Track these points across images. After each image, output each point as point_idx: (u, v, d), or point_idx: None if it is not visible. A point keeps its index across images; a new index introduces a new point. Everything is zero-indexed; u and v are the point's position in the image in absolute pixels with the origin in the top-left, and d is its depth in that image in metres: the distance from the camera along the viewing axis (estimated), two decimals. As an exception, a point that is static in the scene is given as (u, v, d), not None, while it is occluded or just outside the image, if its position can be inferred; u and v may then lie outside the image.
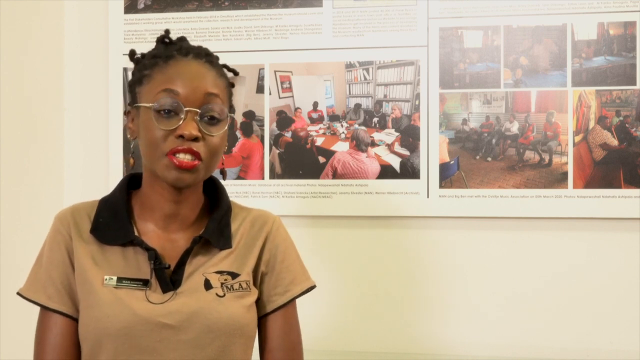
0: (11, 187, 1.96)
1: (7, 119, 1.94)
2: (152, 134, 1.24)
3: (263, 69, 2.03)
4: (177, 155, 1.22)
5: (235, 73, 1.41)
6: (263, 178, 2.02)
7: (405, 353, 1.95)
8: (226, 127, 1.28)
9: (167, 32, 1.34)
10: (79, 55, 2.13)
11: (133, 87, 1.32)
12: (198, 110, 1.24)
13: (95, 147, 2.11)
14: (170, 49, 1.30)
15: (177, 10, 2.07)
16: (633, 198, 1.87)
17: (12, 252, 1.94)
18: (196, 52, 1.30)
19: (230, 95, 1.34)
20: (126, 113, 1.34)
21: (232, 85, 1.37)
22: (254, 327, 1.33)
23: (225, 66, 1.36)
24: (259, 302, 1.35)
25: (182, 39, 1.35)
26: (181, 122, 1.23)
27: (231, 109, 1.35)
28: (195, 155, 1.23)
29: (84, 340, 1.27)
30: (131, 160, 1.37)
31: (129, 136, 1.33)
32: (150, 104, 1.24)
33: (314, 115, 2.02)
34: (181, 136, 1.22)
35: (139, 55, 1.35)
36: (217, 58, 1.34)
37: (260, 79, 2.03)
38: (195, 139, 1.23)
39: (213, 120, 1.26)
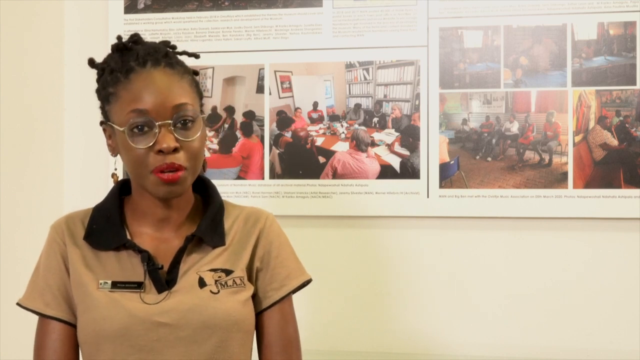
0: (11, 187, 1.96)
1: (7, 119, 1.94)
2: (132, 154, 1.25)
3: (263, 69, 2.03)
4: (163, 172, 1.24)
5: (196, 57, 1.39)
6: (263, 178, 2.02)
7: (405, 353, 1.95)
8: (202, 127, 1.27)
9: (119, 38, 1.32)
10: (79, 55, 2.12)
11: (102, 105, 1.31)
12: (170, 121, 1.24)
13: (95, 147, 2.10)
14: (126, 59, 1.27)
15: (177, 10, 2.06)
16: (633, 198, 1.87)
17: (12, 252, 1.94)
18: (154, 58, 1.27)
19: (197, 89, 1.33)
20: (103, 129, 1.33)
21: (195, 73, 1.35)
22: (250, 322, 1.33)
23: (184, 53, 1.35)
24: (255, 299, 1.35)
25: (136, 41, 1.31)
26: (157, 136, 1.23)
27: (201, 98, 1.34)
28: (178, 166, 1.24)
29: (83, 343, 1.28)
30: (115, 177, 1.38)
31: (110, 153, 1.33)
32: (122, 128, 1.24)
33: (314, 115, 2.02)
34: (161, 151, 1.23)
35: (98, 65, 1.32)
36: (173, 53, 1.32)
37: (260, 79, 2.03)
38: (175, 150, 1.23)
39: (187, 124, 1.25)
